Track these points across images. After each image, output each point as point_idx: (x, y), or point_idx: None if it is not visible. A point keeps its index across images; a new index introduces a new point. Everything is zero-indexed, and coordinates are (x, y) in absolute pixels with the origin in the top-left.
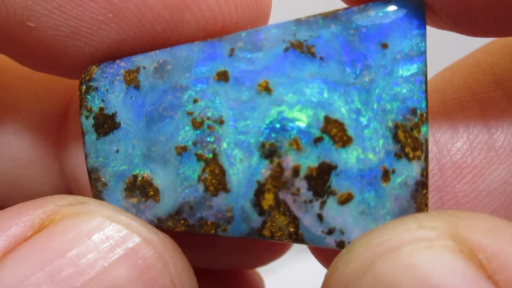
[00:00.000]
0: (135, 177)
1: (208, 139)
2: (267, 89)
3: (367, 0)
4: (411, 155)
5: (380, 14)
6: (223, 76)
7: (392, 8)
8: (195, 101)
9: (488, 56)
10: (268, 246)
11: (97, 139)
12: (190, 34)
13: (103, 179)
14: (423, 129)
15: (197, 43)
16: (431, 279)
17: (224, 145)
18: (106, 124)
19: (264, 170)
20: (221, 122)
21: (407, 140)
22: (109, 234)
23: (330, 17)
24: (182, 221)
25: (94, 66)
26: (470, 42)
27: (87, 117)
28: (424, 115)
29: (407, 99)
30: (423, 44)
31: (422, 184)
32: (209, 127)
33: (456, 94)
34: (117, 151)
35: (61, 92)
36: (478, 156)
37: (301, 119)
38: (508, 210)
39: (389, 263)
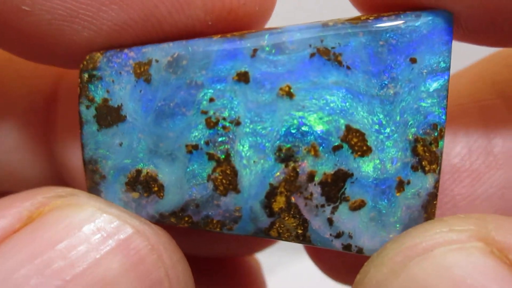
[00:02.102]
0: (139, 171)
1: (222, 139)
2: (289, 94)
3: (383, 8)
4: (427, 168)
5: (411, 27)
6: (243, 77)
7: (423, 21)
8: (211, 100)
9: (490, 66)
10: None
11: (98, 130)
12: (197, 17)
13: (101, 171)
14: (441, 143)
15: (215, 39)
16: (464, 280)
17: (239, 146)
18: (110, 116)
19: (279, 174)
20: (237, 123)
21: (425, 154)
22: (100, 226)
23: (360, 25)
24: (186, 218)
25: (98, 54)
26: (475, 52)
27: (87, 107)
28: (443, 130)
29: (429, 114)
30: (449, 60)
31: (433, 195)
32: (224, 127)
33: (458, 101)
34: (120, 145)
35: (48, 73)
36: (476, 160)
37: (321, 126)
38: (506, 215)
39: (422, 265)
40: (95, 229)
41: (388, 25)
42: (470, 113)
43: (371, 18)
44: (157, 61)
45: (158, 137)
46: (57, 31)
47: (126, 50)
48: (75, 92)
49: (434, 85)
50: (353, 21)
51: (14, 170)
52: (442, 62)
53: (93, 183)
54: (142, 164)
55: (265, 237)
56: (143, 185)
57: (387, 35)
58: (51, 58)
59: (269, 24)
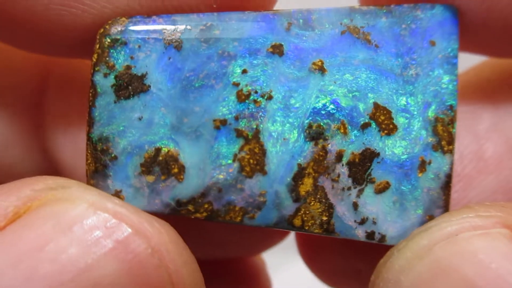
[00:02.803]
0: (158, 150)
1: (253, 114)
2: (322, 69)
3: (384, 1)
4: (445, 148)
5: (429, 14)
6: (277, 50)
7: (437, 11)
8: (244, 71)
9: (479, 72)
10: (264, 235)
11: (115, 102)
12: None
13: (112, 151)
14: (455, 125)
15: (247, 13)
16: (489, 264)
17: (269, 123)
18: (131, 85)
19: (308, 153)
20: (269, 97)
21: (444, 134)
22: (93, 225)
23: (384, 9)
24: (206, 205)
25: (123, 18)
26: (465, 60)
27: (105, 75)
28: (456, 112)
29: (445, 95)
30: (457, 47)
31: (450, 177)
32: (255, 101)
33: None
34: (140, 119)
35: (36, 65)
36: (468, 165)
37: (351, 102)
38: None
39: (447, 248)
40: (88, 229)
41: (408, 11)
42: (461, 118)
43: (392, 5)
44: (189, 28)
45: (183, 112)
46: (55, 16)
47: (154, 17)
48: (64, 84)
49: (449, 68)
50: (378, 6)
51: (6, 164)
52: (453, 49)
53: (100, 165)
54: (162, 142)
55: (286, 228)
56: (161, 166)
57: (409, 20)
58: (49, 47)
59: None
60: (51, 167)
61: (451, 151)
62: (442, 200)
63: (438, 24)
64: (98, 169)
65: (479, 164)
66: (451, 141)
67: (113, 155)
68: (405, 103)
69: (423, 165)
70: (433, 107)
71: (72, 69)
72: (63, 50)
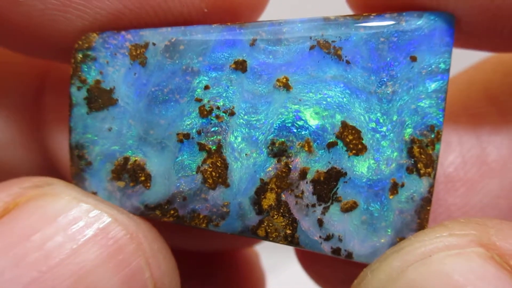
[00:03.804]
0: (126, 159)
1: (215, 129)
2: (286, 86)
3: (377, 8)
4: (422, 171)
5: (413, 26)
6: (240, 66)
7: (425, 20)
8: (206, 87)
9: (481, 72)
10: None
11: (87, 113)
12: (192, 3)
13: (87, 157)
14: (437, 146)
15: (215, 26)
16: (464, 287)
17: (231, 137)
18: (101, 99)
19: (270, 169)
20: (231, 113)
21: (421, 156)
22: (77, 215)
23: (361, 20)
24: (172, 211)
25: (94, 34)
26: (465, 58)
27: (79, 88)
28: (440, 132)
29: (427, 115)
30: (449, 61)
31: (427, 201)
32: (217, 116)
33: (450, 109)
34: (110, 130)
35: (35, 67)
36: (471, 169)
37: (317, 121)
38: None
39: (420, 270)
40: (72, 219)
41: (390, 22)
42: (462, 122)
43: (373, 14)
44: (154, 44)
45: (149, 124)
46: (50, 21)
47: (123, 32)
48: (62, 84)
49: (433, 85)
50: (355, 16)
51: (7, 164)
52: (442, 63)
53: (78, 169)
54: (130, 152)
55: (252, 236)
56: (129, 173)
57: (389, 32)
58: (43, 50)
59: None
60: (50, 166)
61: (429, 174)
62: (416, 224)
63: (424, 36)
64: (77, 172)
65: (482, 168)
66: (429, 163)
67: (88, 160)
68: (377, 123)
69: (394, 187)
70: (409, 127)
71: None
72: (58, 54)
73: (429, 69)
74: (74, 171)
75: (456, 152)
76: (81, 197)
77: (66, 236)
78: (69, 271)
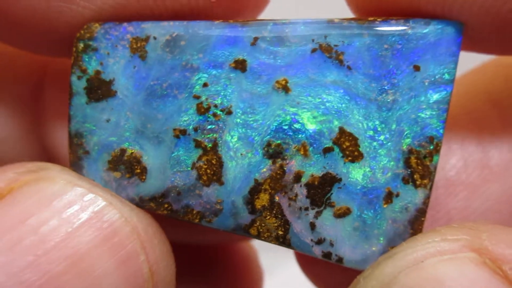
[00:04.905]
0: (123, 151)
1: (211, 127)
2: (285, 88)
3: (377, 12)
4: (418, 182)
5: (419, 34)
6: (240, 65)
7: (432, 28)
8: (205, 85)
9: (482, 76)
10: None
11: (87, 103)
12: None
13: (85, 146)
14: (435, 158)
15: (217, 23)
16: None
17: (227, 136)
18: (100, 89)
19: (265, 170)
20: (229, 112)
21: (418, 167)
22: (71, 199)
23: (366, 25)
24: (166, 205)
25: (96, 24)
26: (465, 61)
27: (79, 78)
28: (440, 144)
29: (427, 126)
30: (454, 72)
31: (422, 212)
32: (214, 115)
33: (452, 112)
34: (108, 121)
35: (34, 62)
36: (472, 173)
37: (314, 125)
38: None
39: (412, 276)
40: (67, 203)
41: (395, 29)
42: (465, 125)
43: (378, 20)
44: (155, 38)
45: (147, 118)
46: (56, 13)
47: (125, 24)
48: (62, 79)
49: (435, 96)
50: (360, 21)
51: (7, 159)
52: (446, 74)
53: (76, 158)
54: (127, 144)
55: (244, 234)
56: (126, 165)
57: (393, 39)
58: (50, 45)
59: None
60: (50, 161)
61: (425, 186)
62: (409, 234)
63: (429, 45)
64: (75, 160)
65: (484, 171)
66: (426, 175)
67: (86, 149)
68: (375, 131)
69: (389, 196)
70: (408, 137)
71: (70, 64)
72: (61, 48)
73: (433, 79)
74: (72, 159)
75: (457, 156)
76: (76, 181)
77: (61, 219)
78: (64, 254)
